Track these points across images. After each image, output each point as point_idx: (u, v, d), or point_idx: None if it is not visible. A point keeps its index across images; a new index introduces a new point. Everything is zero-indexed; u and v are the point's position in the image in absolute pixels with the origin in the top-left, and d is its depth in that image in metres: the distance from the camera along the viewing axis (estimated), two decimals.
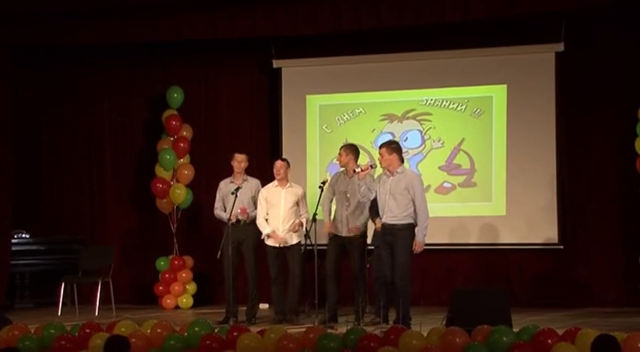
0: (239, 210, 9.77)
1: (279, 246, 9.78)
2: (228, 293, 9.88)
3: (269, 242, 9.81)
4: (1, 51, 11.33)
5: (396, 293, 8.86)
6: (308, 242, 9.48)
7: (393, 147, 9.02)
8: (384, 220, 8.88)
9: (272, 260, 9.82)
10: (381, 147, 9.07)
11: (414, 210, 8.88)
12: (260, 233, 9.88)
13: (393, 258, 8.83)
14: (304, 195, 9.91)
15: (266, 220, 9.82)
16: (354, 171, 9.19)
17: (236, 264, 9.80)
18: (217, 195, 10.14)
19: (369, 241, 9.70)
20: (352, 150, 9.75)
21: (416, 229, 8.87)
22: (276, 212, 9.80)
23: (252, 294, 9.97)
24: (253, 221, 9.90)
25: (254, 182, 10.08)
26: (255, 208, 9.92)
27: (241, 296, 10.16)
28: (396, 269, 8.78)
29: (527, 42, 11.14)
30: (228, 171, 10.18)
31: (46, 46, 11.63)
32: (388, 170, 8.94)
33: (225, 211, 9.98)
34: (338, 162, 9.83)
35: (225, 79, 12.32)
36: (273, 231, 9.74)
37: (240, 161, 10.05)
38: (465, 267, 11.40)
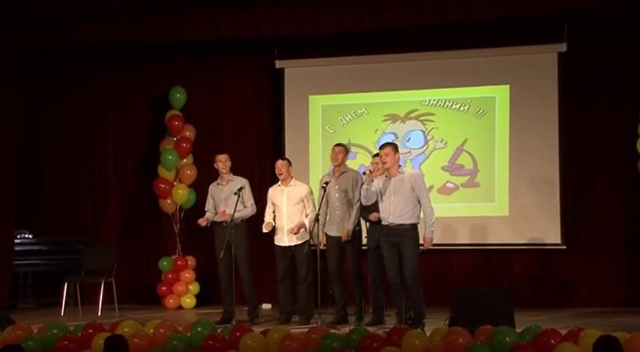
0: (220, 212, 9.87)
1: (286, 246, 9.78)
2: (224, 295, 9.91)
3: (276, 242, 9.84)
4: (4, 51, 11.35)
5: (407, 293, 8.83)
6: (312, 242, 9.49)
7: (395, 147, 8.99)
8: (389, 221, 8.82)
9: (278, 259, 9.83)
10: (384, 147, 8.96)
11: (419, 209, 8.86)
12: (250, 233, 9.96)
13: (401, 258, 8.78)
14: (309, 194, 9.86)
15: (274, 220, 9.91)
16: (364, 172, 9.10)
17: (232, 265, 9.77)
18: (208, 197, 10.20)
19: (363, 241, 9.73)
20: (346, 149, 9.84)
21: (425, 226, 8.83)
22: (280, 211, 9.84)
23: (250, 295, 9.96)
24: (244, 223, 9.92)
25: (240, 181, 10.04)
26: (243, 207, 9.92)
27: (243, 296, 10.15)
28: (406, 270, 8.74)
29: (530, 42, 11.14)
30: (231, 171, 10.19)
31: (48, 46, 11.64)
32: (390, 171, 8.89)
33: (216, 213, 10.05)
34: (335, 161, 9.77)
35: (228, 80, 12.34)
36: (268, 222, 9.83)
37: (224, 161, 10.06)
38: (467, 268, 11.41)
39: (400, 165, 9.01)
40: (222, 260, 9.76)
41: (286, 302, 9.86)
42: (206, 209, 10.18)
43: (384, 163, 8.85)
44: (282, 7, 10.60)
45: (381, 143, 11.35)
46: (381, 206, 8.91)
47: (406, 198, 8.78)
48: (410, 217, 8.80)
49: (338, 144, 9.93)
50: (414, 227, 8.81)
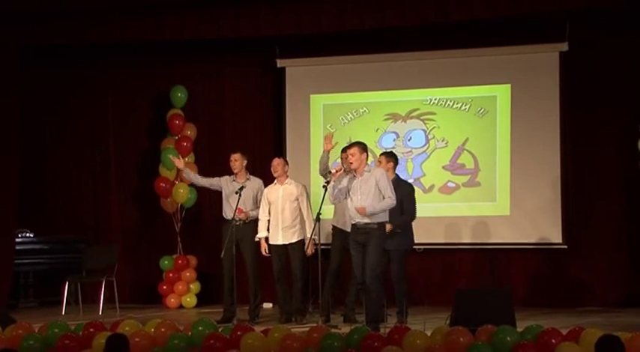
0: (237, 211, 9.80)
1: (281, 244, 9.78)
2: (227, 294, 9.91)
3: (271, 241, 9.84)
4: (7, 50, 11.34)
5: (367, 293, 8.76)
6: (315, 241, 9.47)
7: (363, 147, 8.90)
8: (357, 220, 8.77)
9: (275, 259, 9.83)
10: (350, 146, 8.93)
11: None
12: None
13: (365, 257, 8.74)
14: (305, 193, 9.86)
15: (268, 221, 9.86)
16: (330, 172, 9.07)
17: (235, 264, 9.75)
18: (218, 178, 10.18)
19: None
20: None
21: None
22: (275, 209, 9.82)
23: (254, 293, 9.96)
24: (252, 220, 9.92)
25: (256, 182, 10.08)
26: (256, 207, 9.94)
27: (243, 295, 10.16)
28: (367, 268, 8.68)
29: (532, 41, 11.14)
30: (231, 171, 10.18)
31: (51, 46, 11.64)
32: (357, 170, 8.83)
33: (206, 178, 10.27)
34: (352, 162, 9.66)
35: (230, 79, 12.33)
36: (263, 239, 9.81)
37: (235, 160, 10.05)
38: (468, 267, 11.41)
39: (368, 165, 8.94)
40: (225, 258, 9.76)
41: (285, 301, 9.86)
42: (206, 178, 10.27)
43: (350, 163, 8.82)
44: (284, 6, 10.59)
45: (382, 142, 11.46)
46: (349, 205, 8.89)
47: (372, 197, 8.71)
48: (377, 216, 8.75)
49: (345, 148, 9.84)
50: (380, 226, 8.76)
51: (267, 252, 9.85)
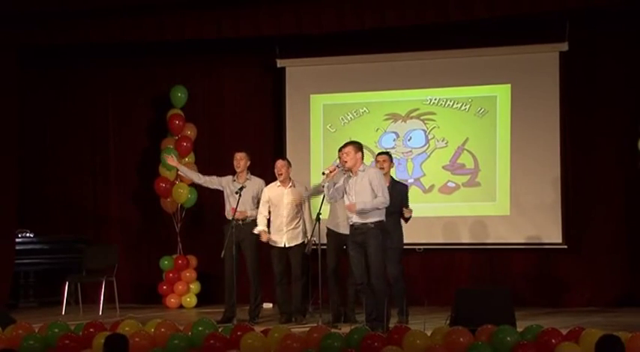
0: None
1: (283, 246, 9.79)
2: (227, 294, 9.91)
3: (271, 242, 9.84)
4: (6, 51, 11.35)
5: (373, 292, 8.72)
6: (314, 241, 9.47)
7: (358, 146, 8.88)
8: (353, 220, 8.75)
9: (276, 260, 9.83)
10: (345, 146, 8.87)
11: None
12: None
13: (366, 257, 8.70)
14: (308, 196, 9.91)
15: (268, 220, 9.86)
16: (323, 173, 9.06)
17: (234, 264, 9.73)
18: (218, 178, 10.18)
19: None
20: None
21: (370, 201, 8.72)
22: (279, 212, 9.82)
23: (254, 293, 9.96)
24: (252, 220, 9.91)
25: (257, 181, 10.09)
26: (256, 207, 9.93)
27: (243, 296, 10.16)
28: (371, 269, 8.66)
29: (532, 41, 11.14)
30: (232, 171, 10.18)
31: (50, 46, 11.64)
32: (352, 170, 8.81)
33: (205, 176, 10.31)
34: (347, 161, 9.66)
35: (230, 79, 12.33)
36: (263, 231, 9.77)
37: (239, 159, 10.05)
38: (468, 267, 11.41)
39: (363, 164, 8.90)
40: (225, 259, 9.75)
41: (285, 302, 9.86)
42: (209, 175, 10.31)
43: (345, 162, 8.81)
44: (284, 6, 10.59)
45: (382, 142, 11.46)
46: (346, 204, 8.88)
47: (367, 196, 8.69)
48: (372, 215, 8.72)
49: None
50: (377, 225, 8.72)
51: (268, 240, 9.79)
